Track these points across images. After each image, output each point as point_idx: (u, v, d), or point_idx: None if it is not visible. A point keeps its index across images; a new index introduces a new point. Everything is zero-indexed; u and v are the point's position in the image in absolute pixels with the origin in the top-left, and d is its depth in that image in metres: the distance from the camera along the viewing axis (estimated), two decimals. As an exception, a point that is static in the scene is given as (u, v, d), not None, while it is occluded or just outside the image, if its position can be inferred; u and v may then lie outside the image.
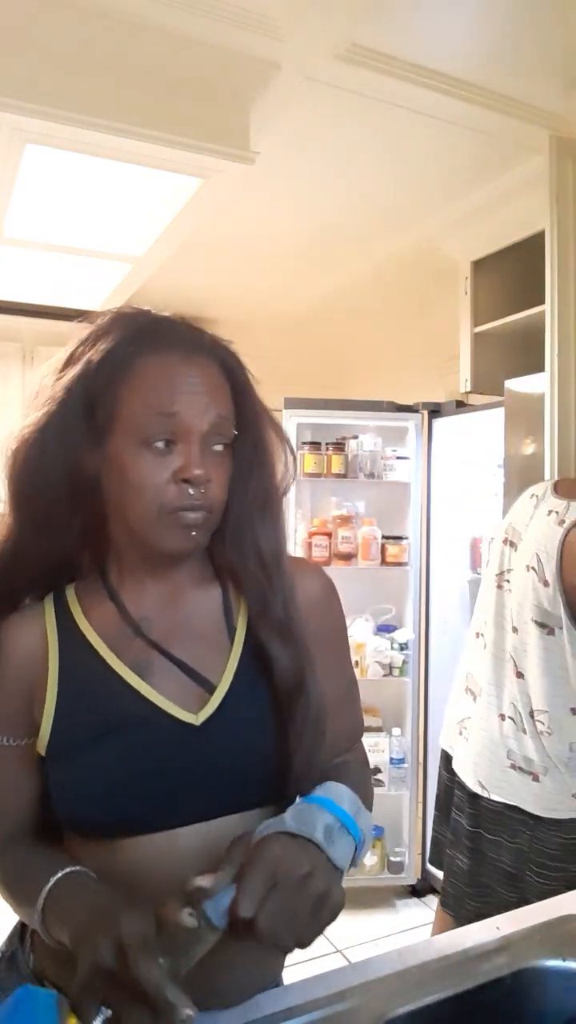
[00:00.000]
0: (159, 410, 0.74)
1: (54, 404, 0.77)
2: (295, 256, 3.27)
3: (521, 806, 1.57)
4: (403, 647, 2.91)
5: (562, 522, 1.56)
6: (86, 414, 0.76)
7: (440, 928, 1.81)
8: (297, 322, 4.13)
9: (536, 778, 1.56)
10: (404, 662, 2.90)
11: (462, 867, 1.69)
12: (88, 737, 0.75)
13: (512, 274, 2.75)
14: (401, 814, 2.97)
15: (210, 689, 0.79)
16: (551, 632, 1.55)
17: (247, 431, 0.81)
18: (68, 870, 0.72)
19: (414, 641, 2.91)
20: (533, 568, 1.58)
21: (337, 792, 0.75)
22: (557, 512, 1.59)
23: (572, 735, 1.54)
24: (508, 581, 1.67)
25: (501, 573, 1.71)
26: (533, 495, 1.72)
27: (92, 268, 2.91)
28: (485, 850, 1.65)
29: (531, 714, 1.58)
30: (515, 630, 1.63)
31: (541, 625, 1.56)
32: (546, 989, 0.79)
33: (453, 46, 1.90)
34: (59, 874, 0.71)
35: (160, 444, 0.74)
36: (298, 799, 0.74)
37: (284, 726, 0.79)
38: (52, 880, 0.71)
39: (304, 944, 0.64)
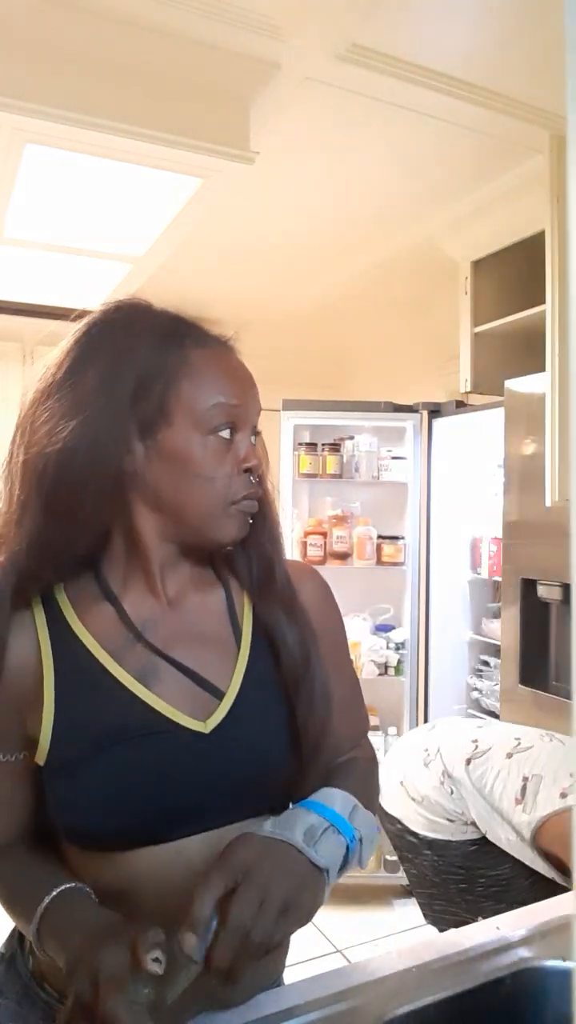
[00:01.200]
0: (224, 400, 0.75)
1: (95, 401, 0.73)
2: (295, 256, 3.26)
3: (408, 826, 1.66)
4: (399, 647, 2.91)
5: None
6: (133, 409, 0.74)
7: None
8: (297, 322, 4.13)
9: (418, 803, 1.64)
10: (400, 661, 2.90)
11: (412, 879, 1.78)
12: (90, 748, 0.72)
13: (512, 274, 2.75)
14: (400, 814, 2.96)
15: (218, 695, 0.77)
16: (452, 792, 1.61)
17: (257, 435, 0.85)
18: (63, 887, 0.69)
19: (411, 641, 2.92)
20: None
21: (327, 794, 0.74)
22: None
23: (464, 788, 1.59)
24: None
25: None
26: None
27: (92, 268, 2.91)
28: (407, 870, 1.75)
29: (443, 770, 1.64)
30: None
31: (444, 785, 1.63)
32: (546, 989, 0.79)
33: (453, 46, 1.90)
34: (54, 892, 0.69)
35: (225, 434, 0.76)
36: (291, 805, 0.74)
37: (292, 707, 0.78)
38: (47, 899, 0.68)
39: (272, 944, 0.61)
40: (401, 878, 2.88)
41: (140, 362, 0.74)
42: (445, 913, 1.65)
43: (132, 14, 1.77)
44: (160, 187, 2.20)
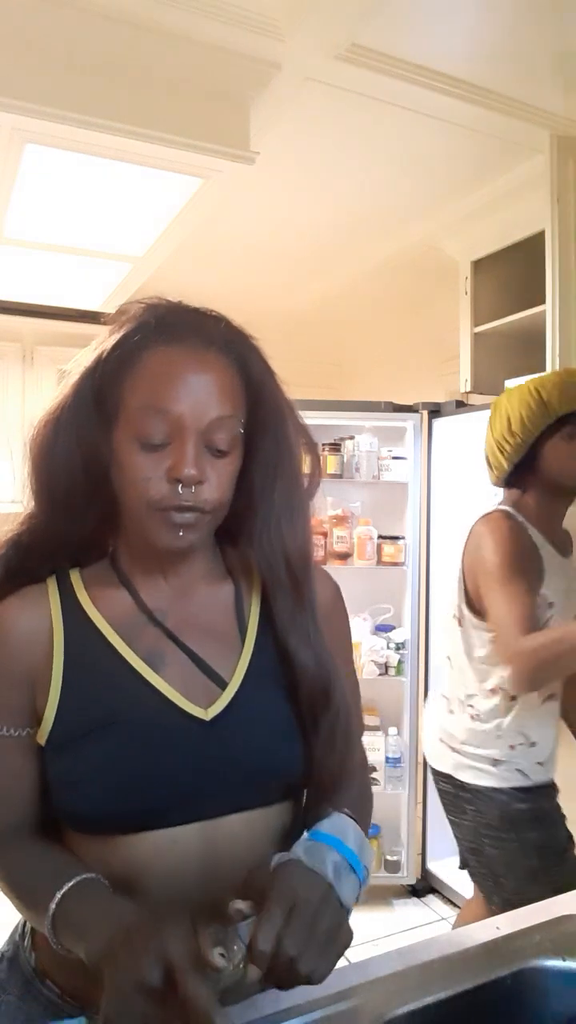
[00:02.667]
0: (155, 406, 0.72)
1: (68, 392, 0.77)
2: (295, 256, 3.27)
3: (451, 773, 1.69)
4: (400, 647, 2.91)
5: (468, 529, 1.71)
6: (96, 403, 0.76)
7: (467, 916, 1.87)
8: (297, 322, 4.13)
9: (455, 749, 1.69)
10: (400, 661, 2.90)
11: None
12: (92, 727, 0.74)
13: (512, 274, 2.75)
14: (399, 814, 2.96)
15: (221, 685, 0.78)
16: (460, 623, 1.70)
17: (267, 430, 0.80)
18: (79, 878, 0.69)
19: (411, 641, 2.92)
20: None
21: (342, 828, 0.74)
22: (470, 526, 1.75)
23: (495, 714, 1.63)
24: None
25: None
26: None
27: (92, 268, 2.91)
28: (453, 831, 1.79)
29: (462, 700, 1.70)
30: (445, 629, 1.80)
31: (457, 619, 1.72)
32: (546, 989, 0.79)
33: (453, 46, 1.90)
34: (71, 882, 0.68)
35: (154, 441, 0.73)
36: (306, 834, 0.74)
37: (308, 735, 0.78)
38: (64, 888, 0.68)
39: (315, 978, 0.62)
40: (401, 878, 2.88)
41: (104, 360, 0.75)
42: (489, 879, 1.69)
43: (132, 14, 1.77)
44: (160, 187, 2.20)
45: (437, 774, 1.76)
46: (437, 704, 1.83)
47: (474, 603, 1.65)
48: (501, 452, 1.66)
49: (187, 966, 0.57)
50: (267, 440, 0.80)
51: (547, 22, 1.81)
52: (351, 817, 0.77)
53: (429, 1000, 0.74)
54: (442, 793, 1.77)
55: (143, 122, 1.90)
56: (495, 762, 1.61)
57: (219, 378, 0.75)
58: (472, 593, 1.65)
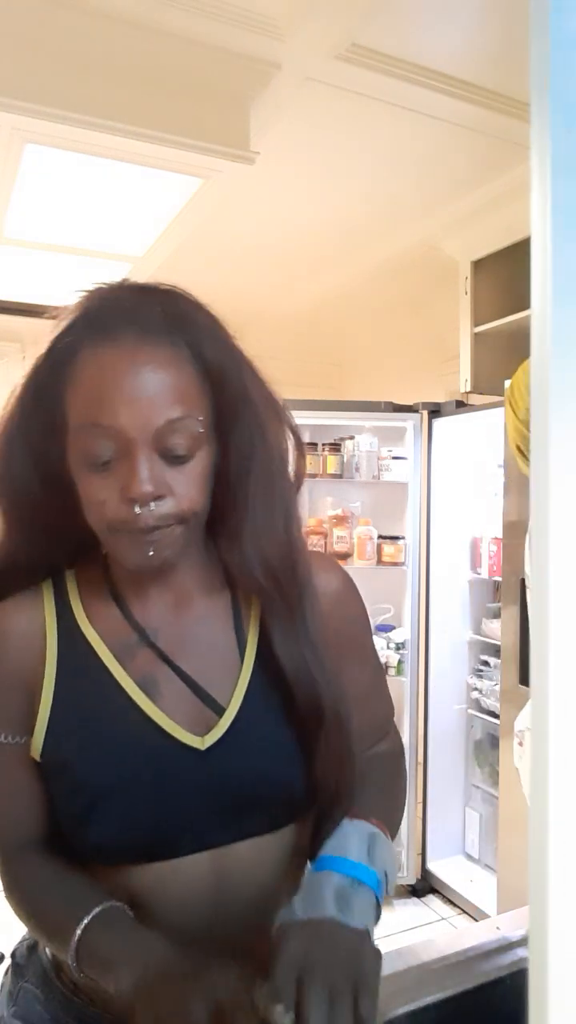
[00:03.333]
0: (93, 423, 0.64)
1: (14, 406, 0.70)
2: (295, 256, 3.26)
3: None
4: (400, 647, 2.91)
5: None
6: (42, 418, 0.68)
7: None
8: (297, 322, 4.13)
9: None
10: (400, 662, 2.90)
11: None
12: (84, 751, 0.70)
13: (512, 274, 2.76)
14: (400, 814, 2.97)
15: (218, 711, 0.72)
16: None
17: (236, 418, 0.70)
18: (103, 907, 0.65)
19: (411, 641, 2.92)
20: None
21: (343, 842, 0.68)
22: None
23: None
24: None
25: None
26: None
27: (92, 268, 2.91)
28: None
29: None
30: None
31: None
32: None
33: (453, 46, 1.90)
34: (93, 911, 0.65)
35: (101, 460, 0.65)
36: (306, 870, 0.68)
37: (307, 753, 0.72)
38: (87, 918, 0.64)
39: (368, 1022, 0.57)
40: (402, 878, 2.88)
41: (41, 369, 0.68)
42: None
43: (132, 14, 1.77)
44: (160, 187, 2.20)
45: None
46: None
47: None
48: None
49: (240, 1011, 0.54)
50: (237, 429, 0.70)
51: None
52: (360, 817, 0.71)
53: (429, 1000, 0.74)
54: None
55: (143, 122, 1.90)
56: None
57: (163, 375, 0.65)
58: None
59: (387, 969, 0.79)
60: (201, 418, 0.67)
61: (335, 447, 2.98)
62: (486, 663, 2.88)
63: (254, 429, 0.71)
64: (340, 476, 2.95)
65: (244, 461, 0.71)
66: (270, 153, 2.20)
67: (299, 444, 0.77)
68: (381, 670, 0.90)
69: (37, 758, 0.72)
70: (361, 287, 3.60)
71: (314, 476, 2.94)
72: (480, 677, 2.88)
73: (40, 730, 0.71)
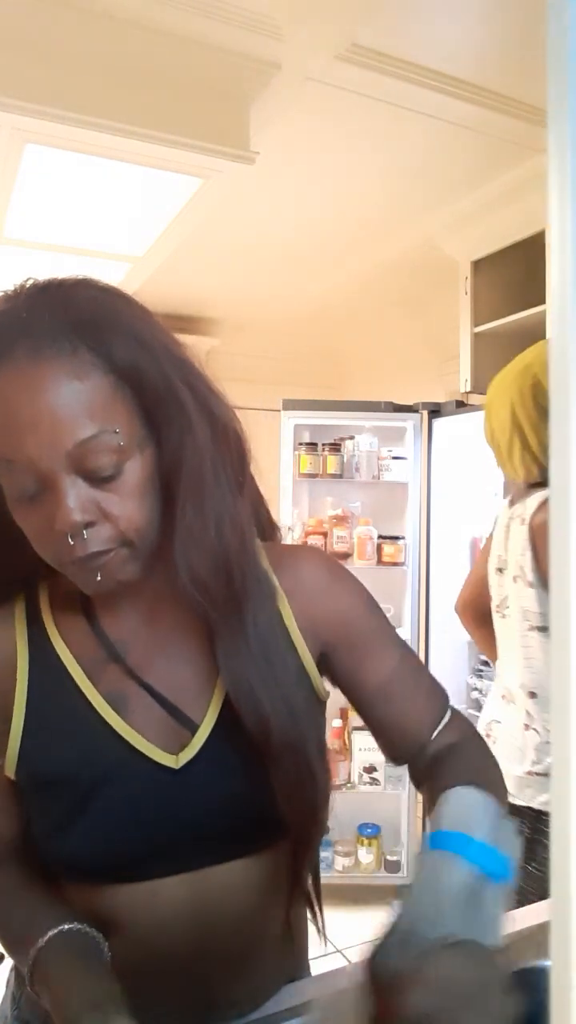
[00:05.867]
0: (3, 458, 0.59)
1: None
2: (295, 256, 3.26)
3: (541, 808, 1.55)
4: (402, 647, 2.92)
5: (524, 520, 1.54)
6: None
7: None
8: (297, 322, 4.13)
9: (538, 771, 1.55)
10: (402, 662, 2.90)
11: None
12: (56, 771, 0.67)
13: (512, 274, 2.75)
14: (399, 813, 2.97)
15: (191, 728, 0.68)
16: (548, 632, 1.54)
17: (162, 412, 0.63)
18: (60, 929, 0.63)
19: (411, 641, 2.92)
20: (518, 576, 1.56)
21: (466, 814, 0.55)
22: (519, 516, 1.57)
23: None
24: (507, 607, 1.65)
25: (499, 604, 1.69)
26: (496, 519, 1.72)
27: (92, 268, 2.91)
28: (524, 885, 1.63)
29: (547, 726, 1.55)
30: (518, 650, 1.61)
31: (541, 629, 1.53)
32: (546, 989, 0.79)
33: (453, 46, 1.90)
34: (50, 933, 0.62)
35: (27, 494, 0.60)
36: (422, 852, 0.55)
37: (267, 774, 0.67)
38: (43, 940, 0.62)
39: None
40: (402, 878, 2.88)
41: None
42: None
43: (132, 14, 1.77)
44: (160, 187, 2.20)
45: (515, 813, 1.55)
46: (519, 737, 1.60)
47: None
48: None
49: None
50: (164, 430, 0.64)
51: (547, 21, 1.81)
52: (474, 785, 0.58)
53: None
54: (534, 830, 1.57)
55: (143, 122, 1.90)
56: None
57: (64, 392, 0.58)
58: None
59: (388, 969, 0.79)
60: (118, 429, 0.60)
61: (335, 447, 2.98)
62: (486, 663, 2.88)
63: (182, 427, 0.64)
64: (340, 476, 2.95)
65: (173, 463, 0.64)
66: (270, 153, 2.20)
67: (239, 439, 0.70)
68: (408, 650, 0.79)
69: (12, 776, 0.69)
70: (361, 287, 3.60)
71: (314, 476, 2.95)
72: (480, 677, 2.88)
73: (13, 749, 0.68)
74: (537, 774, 1.56)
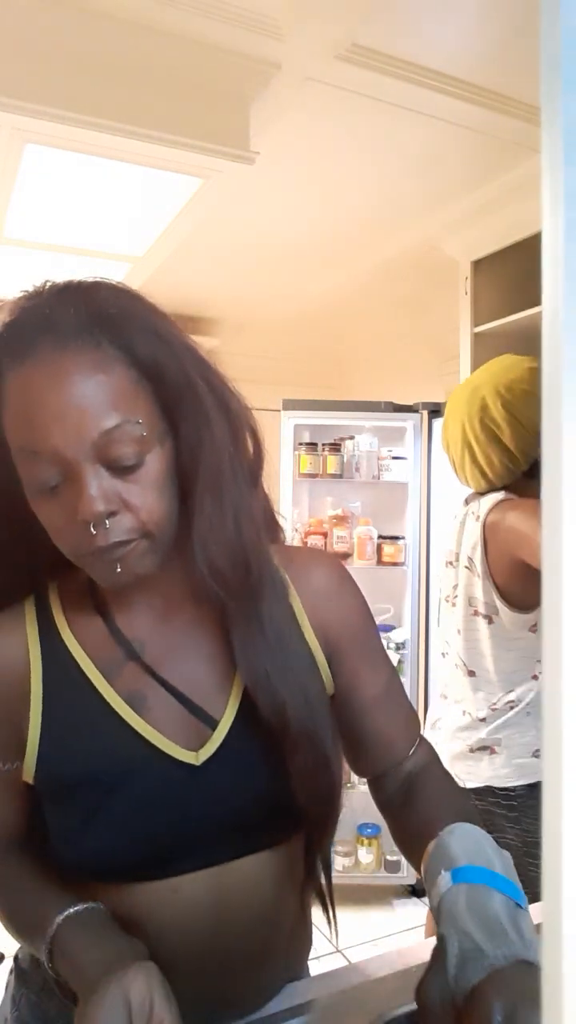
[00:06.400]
0: (27, 449, 0.61)
1: None
2: (295, 256, 3.26)
3: (491, 784, 1.61)
4: (400, 647, 2.91)
5: (479, 517, 1.65)
6: None
7: (432, 930, 1.82)
8: (297, 322, 4.13)
9: (493, 751, 1.62)
10: (400, 661, 2.90)
11: None
12: (79, 777, 0.67)
13: (512, 274, 2.75)
14: (400, 814, 2.97)
15: (211, 724, 0.69)
16: (491, 621, 1.63)
17: (180, 408, 0.65)
18: (76, 908, 0.64)
19: (411, 641, 2.92)
20: (467, 567, 1.66)
21: (477, 850, 0.60)
22: (474, 512, 1.68)
23: (536, 700, 1.60)
24: (457, 596, 1.73)
25: (448, 595, 1.78)
26: (454, 515, 1.84)
27: (92, 268, 2.91)
28: None
29: (491, 706, 1.63)
30: (459, 631, 1.70)
31: (485, 617, 1.62)
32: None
33: (453, 46, 1.90)
34: (68, 911, 0.63)
35: (48, 485, 0.62)
36: (446, 876, 0.58)
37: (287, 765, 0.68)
38: (60, 917, 0.63)
39: None
40: (402, 878, 2.88)
41: None
42: None
43: (132, 14, 1.77)
44: (160, 187, 2.20)
45: (475, 796, 1.63)
46: (456, 721, 1.70)
47: (510, 595, 1.58)
48: (521, 455, 1.58)
49: (142, 1010, 0.54)
50: (183, 424, 0.66)
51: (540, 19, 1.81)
52: (467, 821, 0.64)
53: (429, 1000, 0.74)
54: (483, 811, 1.64)
55: (143, 122, 1.90)
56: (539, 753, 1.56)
57: (90, 383, 0.60)
58: (504, 586, 1.58)
59: (387, 969, 0.79)
60: (141, 420, 0.62)
61: (335, 447, 2.98)
62: (486, 663, 2.88)
63: (200, 421, 0.66)
64: (340, 476, 2.96)
65: (191, 456, 0.66)
66: (270, 153, 2.20)
67: (254, 434, 0.72)
68: (395, 676, 0.84)
69: (30, 781, 0.69)
70: (361, 287, 3.60)
71: (314, 476, 2.95)
72: (480, 677, 2.88)
73: (32, 754, 0.68)
74: (473, 750, 1.65)
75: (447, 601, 1.78)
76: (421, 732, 0.83)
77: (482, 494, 1.71)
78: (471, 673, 1.67)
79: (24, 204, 2.32)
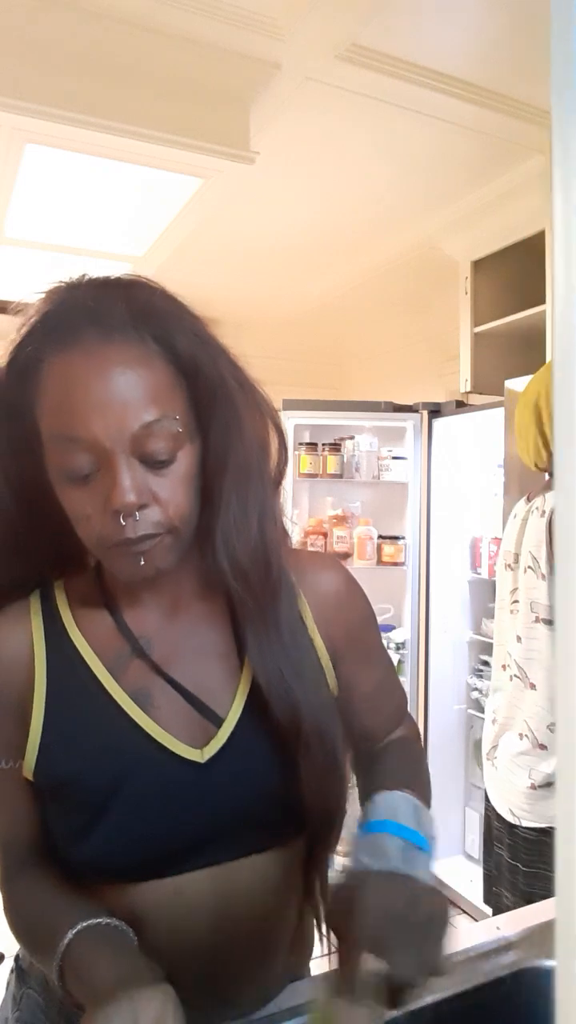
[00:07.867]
0: (64, 435, 0.61)
1: None
2: (295, 256, 3.26)
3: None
4: (399, 647, 2.91)
5: (544, 512, 1.56)
6: (12, 431, 0.65)
7: None
8: (297, 322, 4.13)
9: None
10: (400, 662, 2.90)
11: (508, 905, 1.61)
12: (79, 769, 0.66)
13: (512, 274, 2.76)
14: (400, 814, 2.97)
15: (216, 722, 0.69)
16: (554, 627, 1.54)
17: (212, 410, 0.66)
18: (87, 923, 0.62)
19: (411, 641, 2.92)
20: (530, 567, 1.57)
21: (392, 806, 0.64)
22: (539, 508, 1.59)
23: None
24: (516, 601, 1.64)
25: (507, 600, 1.69)
26: (515, 515, 1.73)
27: (92, 268, 2.91)
28: (522, 885, 1.58)
29: (549, 727, 1.53)
30: (519, 639, 1.60)
31: (548, 622, 1.53)
32: (546, 989, 0.79)
33: (453, 46, 1.90)
34: (79, 927, 0.62)
35: (80, 473, 0.62)
36: (357, 828, 0.64)
37: (293, 765, 0.68)
38: (72, 933, 0.61)
39: (436, 969, 0.55)
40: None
41: (6, 380, 0.65)
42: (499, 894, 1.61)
43: (132, 14, 1.77)
44: (160, 187, 2.20)
45: (535, 835, 1.53)
46: (514, 746, 1.60)
47: None
48: None
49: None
50: (214, 423, 0.66)
51: (547, 22, 1.81)
52: (399, 789, 0.68)
53: (429, 1000, 0.74)
54: (525, 842, 1.55)
55: (143, 122, 1.90)
56: None
57: (133, 376, 0.61)
58: None
59: (387, 969, 0.79)
60: (178, 416, 0.63)
61: (335, 447, 2.98)
62: (486, 663, 2.88)
63: (231, 421, 0.67)
64: (340, 476, 2.96)
65: (220, 455, 0.66)
66: (270, 153, 2.20)
67: (281, 438, 0.73)
68: (391, 666, 0.87)
69: (29, 777, 0.69)
70: (361, 287, 3.60)
71: (314, 476, 2.95)
72: (480, 677, 2.88)
73: (32, 750, 0.68)
74: (537, 787, 1.54)
75: (506, 608, 1.69)
76: (407, 716, 0.87)
77: (543, 471, 1.62)
78: (532, 686, 1.57)
79: (24, 204, 2.33)
